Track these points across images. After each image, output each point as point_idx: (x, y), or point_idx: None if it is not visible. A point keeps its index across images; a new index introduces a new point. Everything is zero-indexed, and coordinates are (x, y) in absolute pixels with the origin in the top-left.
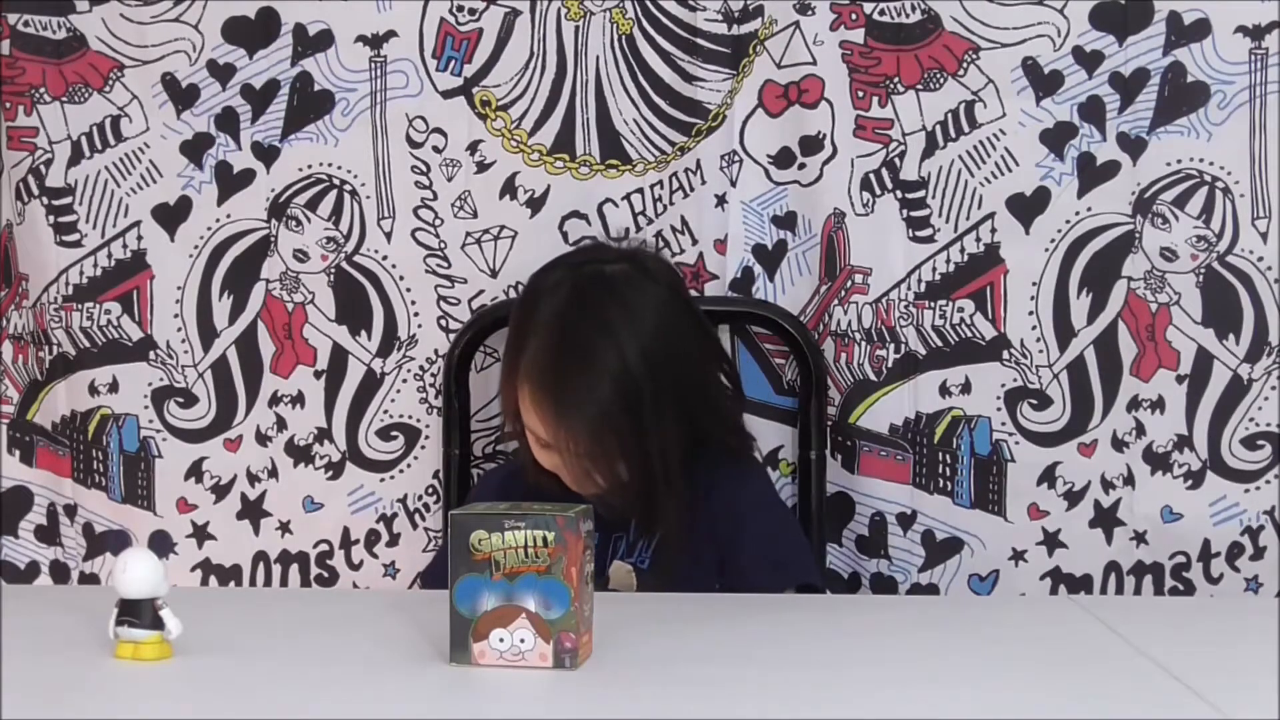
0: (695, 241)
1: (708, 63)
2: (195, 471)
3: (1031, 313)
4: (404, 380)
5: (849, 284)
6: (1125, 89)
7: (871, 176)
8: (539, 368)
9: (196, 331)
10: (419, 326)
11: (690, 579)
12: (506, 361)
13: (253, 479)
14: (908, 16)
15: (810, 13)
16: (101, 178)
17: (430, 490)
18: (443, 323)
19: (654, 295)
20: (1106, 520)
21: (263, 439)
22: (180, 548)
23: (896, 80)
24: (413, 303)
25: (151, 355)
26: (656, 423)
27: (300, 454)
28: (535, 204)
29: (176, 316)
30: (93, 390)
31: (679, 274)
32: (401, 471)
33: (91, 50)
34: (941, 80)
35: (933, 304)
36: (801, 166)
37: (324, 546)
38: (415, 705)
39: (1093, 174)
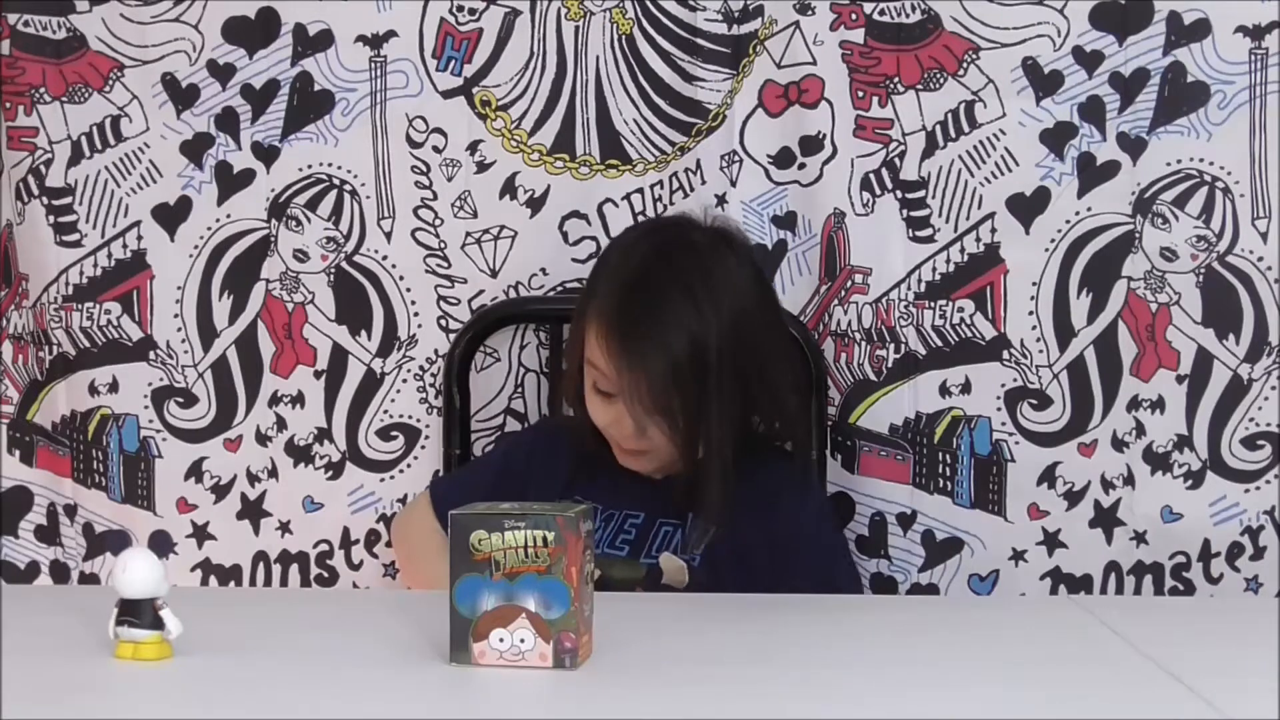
0: None
1: (708, 63)
2: (195, 471)
3: (1031, 313)
4: (404, 380)
5: (849, 284)
6: (1125, 89)
7: (871, 176)
8: (611, 308)
9: (196, 331)
10: (419, 326)
11: (740, 582)
12: (577, 314)
13: (253, 479)
14: (908, 16)
15: (810, 13)
16: (101, 178)
17: None
18: (443, 323)
19: (736, 270)
20: (1106, 520)
21: (263, 439)
22: (180, 548)
23: (896, 80)
24: (413, 303)
25: (151, 355)
26: (719, 394)
27: (300, 454)
28: (535, 204)
29: (176, 316)
30: (93, 390)
31: (759, 259)
32: (401, 471)
33: (91, 50)
34: (941, 80)
35: (933, 304)
36: (801, 166)
37: (324, 546)
38: (415, 705)
39: (1093, 174)
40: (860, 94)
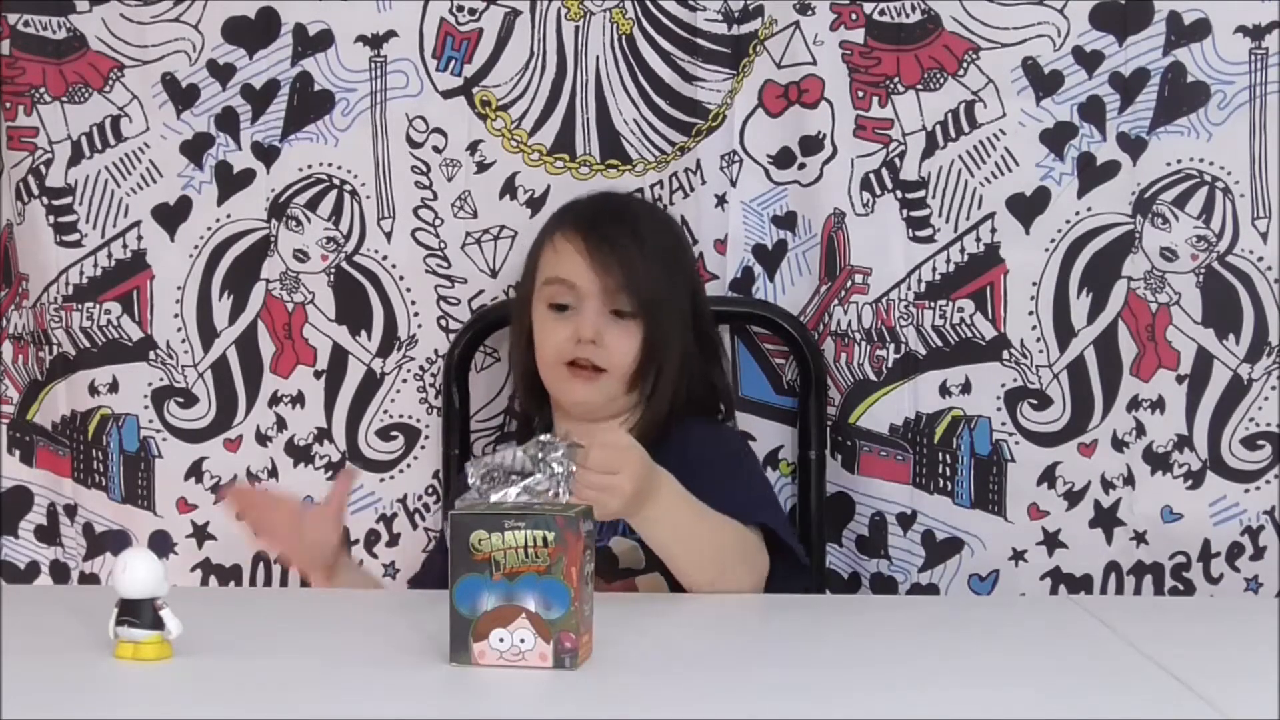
0: (695, 241)
1: (708, 63)
2: (195, 471)
3: (1031, 313)
4: (404, 380)
5: (849, 284)
6: (1125, 89)
7: (871, 176)
8: (584, 213)
9: (196, 331)
10: (419, 326)
11: None
12: (530, 258)
13: (253, 479)
14: (908, 16)
15: (810, 13)
16: (101, 178)
17: (430, 490)
18: (443, 323)
19: (667, 222)
20: (1106, 520)
21: (263, 439)
22: (180, 548)
23: (896, 80)
24: (413, 303)
25: (151, 355)
26: (676, 304)
27: (300, 454)
28: (535, 204)
29: (176, 316)
30: (93, 390)
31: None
32: (401, 471)
33: (91, 50)
34: (941, 80)
35: (933, 304)
36: (801, 166)
37: None
38: (415, 705)
39: (1093, 174)
40: (860, 94)
